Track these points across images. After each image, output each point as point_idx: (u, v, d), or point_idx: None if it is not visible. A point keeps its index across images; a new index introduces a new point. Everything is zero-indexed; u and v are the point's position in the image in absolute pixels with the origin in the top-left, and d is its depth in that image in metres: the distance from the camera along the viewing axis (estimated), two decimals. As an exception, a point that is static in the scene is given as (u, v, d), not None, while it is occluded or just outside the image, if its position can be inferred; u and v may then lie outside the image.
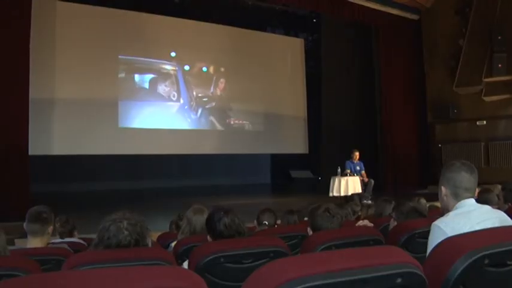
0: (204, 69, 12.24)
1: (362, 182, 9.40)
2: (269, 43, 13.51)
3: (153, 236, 4.01)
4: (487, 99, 11.05)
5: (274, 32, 14.46)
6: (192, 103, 11.97)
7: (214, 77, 12.37)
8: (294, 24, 14.64)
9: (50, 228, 3.00)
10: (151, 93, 11.35)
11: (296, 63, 13.92)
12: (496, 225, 1.88)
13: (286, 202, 9.58)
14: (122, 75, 10.82)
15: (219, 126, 12.41)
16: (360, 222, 3.76)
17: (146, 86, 11.30)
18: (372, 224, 3.62)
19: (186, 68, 11.95)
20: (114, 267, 1.34)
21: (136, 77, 11.12)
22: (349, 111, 13.21)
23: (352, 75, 13.37)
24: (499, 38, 10.54)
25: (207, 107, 12.22)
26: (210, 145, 12.34)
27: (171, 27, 11.67)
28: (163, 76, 11.57)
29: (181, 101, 11.77)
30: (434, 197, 3.62)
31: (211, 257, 2.03)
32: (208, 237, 2.44)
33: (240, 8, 12.64)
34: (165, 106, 11.53)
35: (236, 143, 12.67)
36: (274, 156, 15.71)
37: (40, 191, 9.32)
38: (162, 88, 11.48)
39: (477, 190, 2.10)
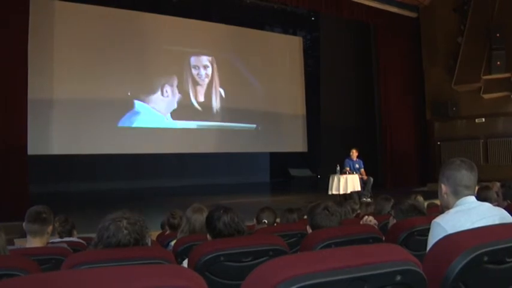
0: (203, 68, 12.23)
1: (361, 180, 9.40)
2: (268, 42, 13.51)
3: (153, 235, 4.01)
4: (486, 96, 11.06)
5: (272, 31, 14.48)
6: (190, 102, 11.96)
7: (213, 76, 12.36)
8: (293, 23, 14.65)
9: (50, 228, 3.00)
10: (150, 92, 11.34)
11: (295, 61, 13.91)
12: (497, 222, 1.88)
13: (285, 200, 9.60)
14: (120, 74, 10.80)
15: (217, 125, 12.40)
16: (365, 218, 3.77)
17: (145, 85, 11.27)
18: (376, 221, 3.62)
19: (184, 67, 11.93)
20: (114, 266, 1.34)
21: (135, 76, 11.09)
22: (348, 109, 13.24)
23: (351, 73, 13.38)
24: (498, 35, 10.55)
25: (205, 106, 12.21)
26: (209, 144, 12.34)
27: (170, 26, 11.66)
28: (162, 76, 11.55)
29: (180, 100, 11.76)
30: (433, 194, 3.62)
31: (210, 256, 2.03)
32: (208, 236, 2.44)
33: (239, 7, 12.64)
34: (163, 105, 11.52)
35: (235, 141, 12.68)
36: (273, 155, 15.72)
37: (40, 190, 9.33)
38: (161, 87, 11.47)
39: (476, 187, 2.09)
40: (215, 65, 12.37)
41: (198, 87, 12.12)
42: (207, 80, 12.25)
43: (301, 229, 3.07)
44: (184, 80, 11.91)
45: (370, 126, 13.15)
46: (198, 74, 12.12)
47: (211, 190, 12.41)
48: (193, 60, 12.07)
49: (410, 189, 9.52)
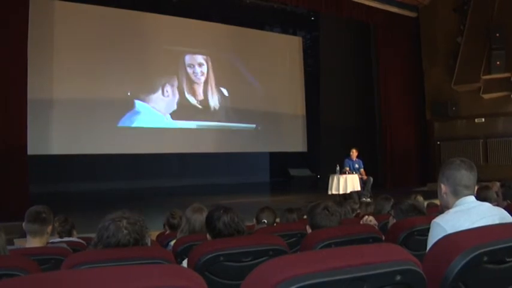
0: (202, 68, 12.22)
1: (361, 179, 9.41)
2: (267, 41, 13.50)
3: (153, 235, 4.01)
4: (486, 96, 11.07)
5: (272, 31, 14.47)
6: (190, 102, 11.96)
7: (213, 76, 12.36)
8: (292, 23, 14.64)
9: (49, 228, 2.99)
10: (150, 92, 11.34)
11: (294, 61, 13.91)
12: (496, 222, 1.88)
13: (285, 200, 9.59)
14: (120, 74, 10.79)
15: (217, 125, 12.40)
16: (365, 218, 3.77)
17: (145, 85, 11.27)
18: (376, 221, 3.63)
19: (184, 66, 11.93)
20: (113, 266, 1.34)
21: (135, 76, 11.09)
22: (348, 109, 13.24)
23: (351, 73, 13.38)
24: (497, 35, 10.55)
25: (205, 105, 12.21)
26: (209, 144, 12.34)
27: (170, 26, 11.67)
28: (162, 75, 11.55)
29: (180, 99, 11.76)
30: (433, 194, 3.62)
31: (210, 256, 2.03)
32: (208, 235, 2.44)
33: (239, 7, 12.64)
34: (163, 105, 11.52)
35: (235, 141, 12.68)
36: (273, 155, 15.71)
37: (40, 190, 9.32)
38: (161, 87, 11.47)
39: (476, 187, 2.09)
40: (210, 63, 12.33)
41: (197, 87, 12.12)
42: (203, 78, 12.22)
43: (300, 229, 3.07)
44: (185, 79, 11.91)
45: (370, 126, 13.14)
46: (193, 73, 12.10)
47: (211, 190, 12.40)
48: (188, 59, 12.05)
49: (410, 189, 9.53)
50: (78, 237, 3.83)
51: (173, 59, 11.72)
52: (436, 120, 12.01)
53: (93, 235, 2.21)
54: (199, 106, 12.12)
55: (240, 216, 2.43)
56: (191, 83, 12.05)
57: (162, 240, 3.56)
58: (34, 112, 8.59)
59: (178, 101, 11.72)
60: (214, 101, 12.38)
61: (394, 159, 12.10)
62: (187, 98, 11.89)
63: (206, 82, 12.27)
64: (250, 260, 2.09)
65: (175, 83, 11.70)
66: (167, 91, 11.56)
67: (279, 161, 15.87)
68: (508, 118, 11.00)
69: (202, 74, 12.23)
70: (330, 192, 9.09)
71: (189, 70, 12.04)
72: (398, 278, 1.13)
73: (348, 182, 9.07)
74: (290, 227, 3.43)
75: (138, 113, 11.13)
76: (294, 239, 3.05)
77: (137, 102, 11.14)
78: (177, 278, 1.04)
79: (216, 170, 14.93)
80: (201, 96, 12.16)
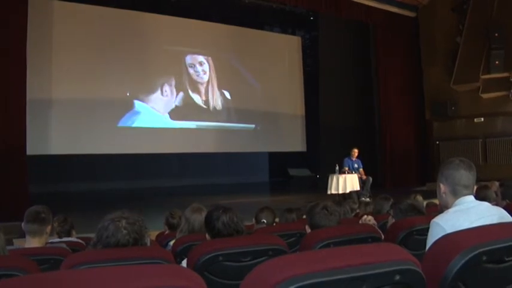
0: (202, 67, 12.22)
1: (360, 179, 9.40)
2: (267, 41, 13.50)
3: (152, 235, 4.01)
4: (485, 96, 11.08)
5: (271, 30, 14.47)
6: (189, 102, 11.95)
7: (212, 76, 12.35)
8: (292, 22, 14.65)
9: (49, 228, 2.99)
10: (149, 92, 11.33)
11: (294, 61, 13.90)
12: (495, 222, 1.88)
13: (284, 200, 9.59)
14: (120, 74, 10.79)
15: (217, 125, 12.39)
16: (364, 218, 3.77)
17: (144, 85, 11.27)
18: (375, 221, 3.63)
19: (184, 66, 11.93)
20: (113, 266, 1.34)
21: (135, 76, 11.08)
22: (347, 109, 13.24)
23: (350, 73, 13.38)
24: (496, 35, 10.56)
25: (204, 106, 12.21)
26: (209, 144, 12.34)
27: (170, 26, 11.66)
28: (161, 75, 11.54)
29: (179, 100, 11.75)
30: (432, 194, 3.63)
31: (209, 256, 2.03)
32: (207, 235, 2.44)
33: (238, 7, 12.65)
34: (163, 105, 11.51)
35: (234, 141, 12.67)
36: (272, 155, 15.72)
37: (39, 190, 9.32)
38: (160, 87, 11.46)
39: (475, 187, 2.10)
40: (211, 64, 12.33)
41: (197, 86, 12.11)
42: (205, 78, 12.21)
43: (300, 229, 3.07)
44: (184, 79, 11.90)
45: (369, 126, 13.15)
46: (195, 72, 12.09)
47: (211, 190, 12.40)
48: (188, 58, 12.04)
49: (410, 189, 9.53)
50: (77, 237, 3.82)
51: (173, 59, 11.72)
52: (435, 120, 12.01)
53: (92, 235, 2.21)
54: (202, 106, 12.11)
55: (239, 216, 2.42)
56: (194, 82, 12.05)
57: (162, 240, 3.55)
58: (33, 112, 8.59)
59: (177, 100, 11.72)
60: (215, 101, 12.38)
61: (394, 159, 12.10)
62: (190, 98, 11.89)
63: (208, 82, 12.27)
64: (250, 260, 2.09)
65: (175, 83, 11.70)
66: (166, 91, 11.56)
67: (279, 161, 15.88)
68: (507, 118, 11.01)
69: (205, 72, 12.23)
70: (329, 192, 9.09)
71: (191, 70, 12.04)
72: (397, 277, 1.13)
73: (347, 182, 9.07)
74: (289, 227, 3.43)
75: (137, 113, 11.13)
76: (293, 238, 3.05)
77: (136, 103, 11.13)
78: (177, 278, 1.04)
79: (216, 170, 14.94)
80: (200, 96, 12.15)
